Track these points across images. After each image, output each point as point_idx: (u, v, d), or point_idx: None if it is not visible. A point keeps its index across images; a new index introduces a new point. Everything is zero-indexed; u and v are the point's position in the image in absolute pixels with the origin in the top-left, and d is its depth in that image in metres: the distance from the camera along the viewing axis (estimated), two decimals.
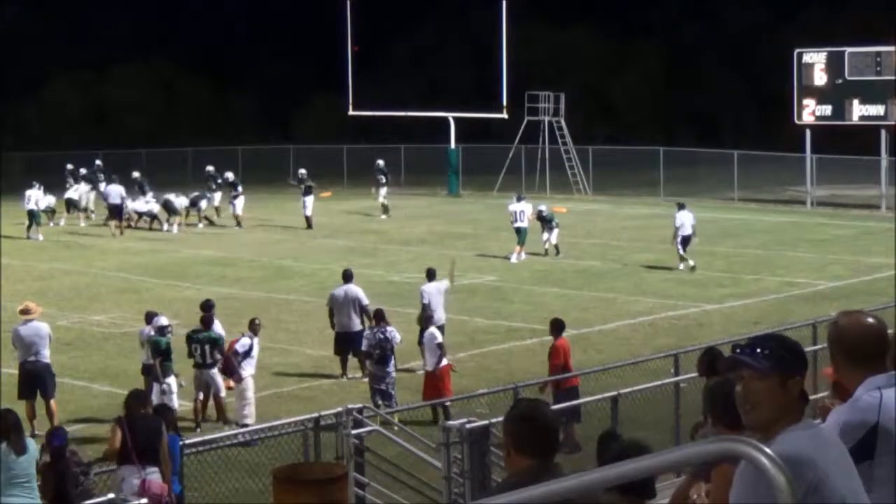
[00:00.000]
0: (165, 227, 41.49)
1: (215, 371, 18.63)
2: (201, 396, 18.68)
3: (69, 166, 46.93)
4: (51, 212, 42.84)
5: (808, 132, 46.52)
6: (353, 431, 13.56)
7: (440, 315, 21.83)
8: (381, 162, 46.00)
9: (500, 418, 12.70)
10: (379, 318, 19.65)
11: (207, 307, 19.76)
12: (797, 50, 46.26)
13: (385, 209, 44.60)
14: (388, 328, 19.24)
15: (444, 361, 19.15)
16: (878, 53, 44.61)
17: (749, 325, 24.18)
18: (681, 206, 32.87)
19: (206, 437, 14.87)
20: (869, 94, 44.46)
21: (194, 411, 18.69)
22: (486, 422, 12.80)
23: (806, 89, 45.87)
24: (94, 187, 44.97)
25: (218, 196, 44.10)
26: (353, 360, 21.28)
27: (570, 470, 4.42)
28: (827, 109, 45.51)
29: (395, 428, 15.43)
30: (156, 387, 17.80)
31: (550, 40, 72.34)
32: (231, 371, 18.34)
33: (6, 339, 20.17)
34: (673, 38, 74.35)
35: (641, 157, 53.23)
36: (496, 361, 22.39)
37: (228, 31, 78.45)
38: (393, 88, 65.36)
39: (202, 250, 37.05)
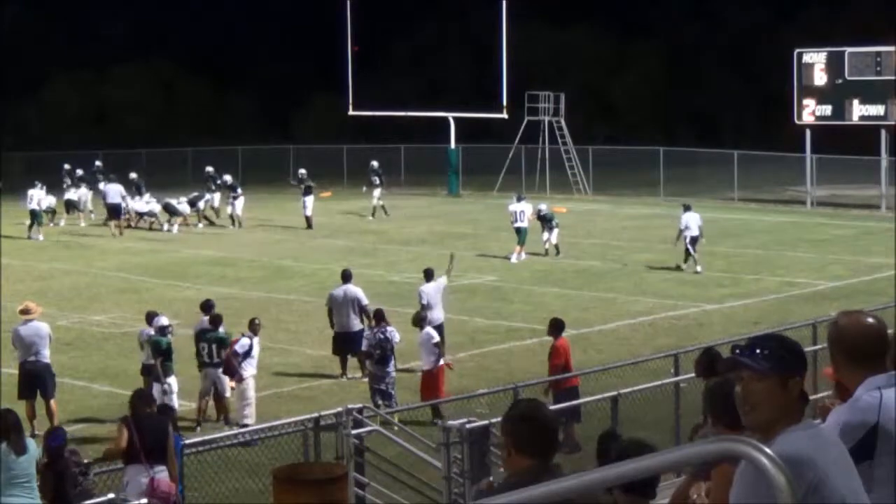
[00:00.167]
0: (166, 226, 41.49)
1: (222, 371, 18.67)
2: (209, 394, 18.70)
3: (66, 166, 46.88)
4: (51, 212, 42.83)
5: (808, 132, 46.52)
6: (353, 431, 13.56)
7: (438, 314, 21.83)
8: (375, 163, 45.94)
9: (500, 418, 12.73)
10: (379, 318, 19.65)
11: (208, 307, 19.77)
12: (797, 50, 46.26)
13: (377, 210, 44.34)
14: (388, 328, 19.25)
15: (441, 361, 19.17)
16: (878, 53, 44.61)
17: (749, 325, 24.18)
18: (686, 208, 32.76)
19: (206, 437, 14.87)
20: (869, 94, 44.46)
21: (199, 410, 18.71)
22: (486, 422, 12.79)
23: (806, 89, 45.87)
24: (93, 187, 44.88)
25: (217, 196, 44.10)
26: (353, 360, 21.28)
27: (570, 470, 4.42)
28: (827, 109, 45.51)
29: (395, 428, 15.43)
30: (157, 387, 17.78)
31: (550, 40, 72.34)
32: (231, 371, 18.34)
33: (6, 339, 20.17)
34: (673, 38, 74.35)
35: (641, 157, 53.24)
36: (496, 361, 22.39)
37: (228, 31, 78.46)
38: (393, 88, 65.38)
39: (202, 250, 37.05)
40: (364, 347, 19.76)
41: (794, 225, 42.29)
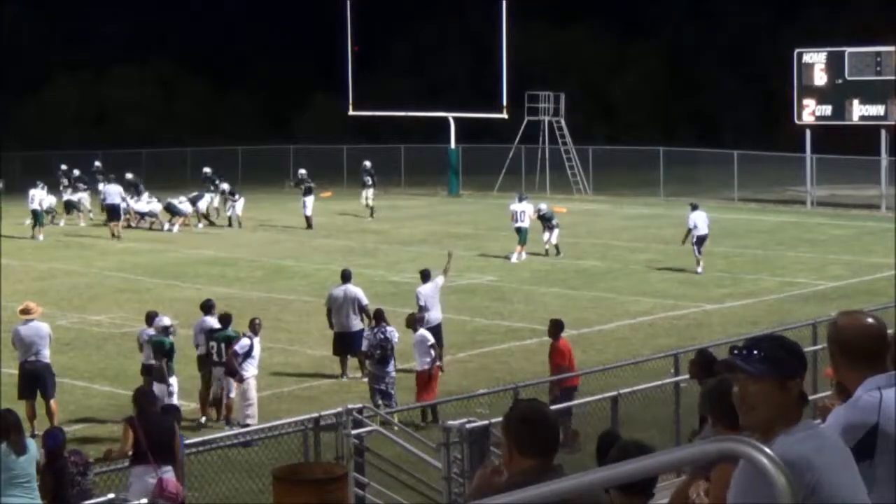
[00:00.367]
0: (166, 226, 41.48)
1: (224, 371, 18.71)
2: (221, 393, 18.73)
3: (63, 167, 46.80)
4: (52, 212, 42.78)
5: (808, 132, 46.52)
6: (353, 431, 13.56)
7: (436, 315, 21.81)
8: (367, 163, 45.92)
9: (501, 418, 12.74)
10: (379, 318, 19.66)
11: (208, 307, 19.78)
12: (797, 50, 46.26)
13: (370, 210, 44.35)
14: (388, 328, 19.25)
15: (436, 362, 19.16)
16: (878, 53, 44.61)
17: (749, 325, 24.17)
18: (694, 207, 32.63)
19: (206, 437, 14.87)
20: (869, 94, 44.46)
21: (207, 407, 18.74)
22: (486, 422, 12.79)
23: (806, 89, 45.87)
24: (91, 188, 44.81)
25: (217, 197, 44.05)
26: (353, 360, 21.29)
27: (571, 470, 4.42)
28: (827, 109, 45.51)
29: (395, 428, 15.43)
30: (162, 387, 17.79)
31: (550, 40, 72.36)
32: (232, 372, 18.35)
33: (6, 339, 20.16)
34: (673, 38, 74.37)
35: (641, 157, 53.24)
36: (496, 361, 22.39)
37: (228, 31, 78.44)
38: (393, 88, 65.37)
39: (202, 250, 37.05)
40: (364, 347, 19.76)
41: (794, 225, 42.29)
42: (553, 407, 13.92)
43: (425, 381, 19.02)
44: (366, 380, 19.93)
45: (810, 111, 45.92)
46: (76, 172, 46.14)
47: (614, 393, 15.28)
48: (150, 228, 42.02)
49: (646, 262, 33.67)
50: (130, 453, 12.70)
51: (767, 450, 3.16)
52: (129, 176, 44.58)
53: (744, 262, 32.97)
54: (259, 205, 46.50)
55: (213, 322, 19.38)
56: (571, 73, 68.83)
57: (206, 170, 45.37)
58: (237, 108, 77.09)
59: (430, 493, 13.46)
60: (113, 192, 41.29)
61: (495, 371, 21.41)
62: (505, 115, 52.62)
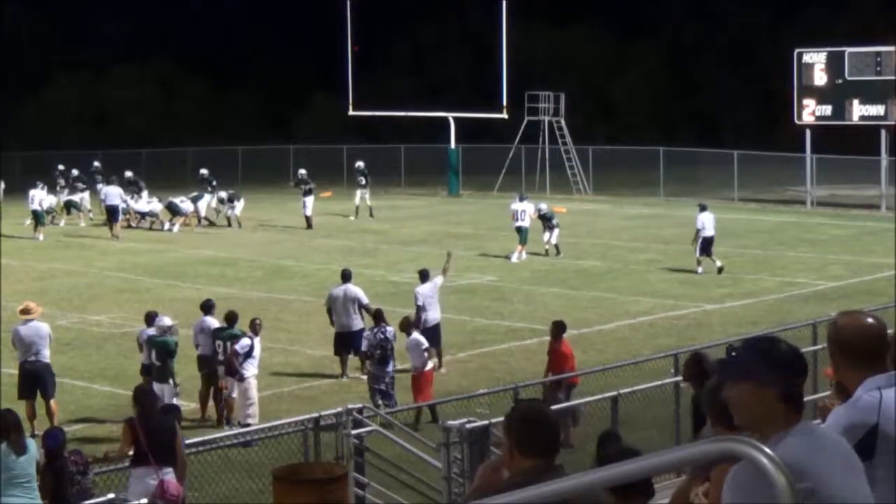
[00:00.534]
0: (167, 225, 41.47)
1: (224, 371, 18.72)
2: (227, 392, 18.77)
3: (60, 167, 46.68)
4: (52, 212, 42.76)
5: (808, 132, 46.53)
6: (353, 431, 13.56)
7: (435, 315, 21.84)
8: (360, 163, 45.88)
9: (501, 418, 12.72)
10: (378, 318, 19.67)
11: (208, 307, 19.78)
12: (797, 50, 46.27)
13: (367, 210, 44.19)
14: (388, 328, 19.25)
15: (430, 365, 19.13)
16: (878, 53, 44.62)
17: (749, 325, 24.18)
18: (702, 208, 32.55)
19: (206, 437, 14.86)
20: (869, 94, 44.47)
21: (217, 407, 18.77)
22: (486, 422, 12.79)
23: (806, 89, 45.88)
24: (89, 188, 44.75)
25: (214, 199, 43.94)
26: (353, 360, 21.29)
27: (571, 470, 4.42)
28: (827, 109, 45.52)
29: (396, 428, 15.43)
30: (162, 387, 17.79)
31: (550, 40, 72.37)
32: (232, 371, 18.36)
33: (6, 339, 20.16)
34: (673, 38, 74.38)
35: (641, 157, 53.25)
36: (496, 361, 22.39)
37: (228, 31, 78.43)
38: (393, 88, 65.37)
39: (202, 250, 37.05)
40: (364, 348, 19.77)
41: (794, 225, 42.30)
42: (554, 407, 13.93)
43: (421, 384, 18.98)
44: (365, 379, 19.94)
45: (810, 111, 45.93)
46: (75, 172, 46.07)
47: (614, 393, 15.28)
48: (151, 228, 42.01)
49: (646, 262, 33.67)
50: (131, 453, 12.69)
51: (767, 450, 3.16)
52: (128, 174, 44.47)
53: (744, 262, 32.96)
54: (259, 205, 46.50)
55: (212, 322, 19.39)
56: (571, 73, 68.84)
57: (203, 171, 45.31)
58: (237, 108, 77.09)
59: (430, 493, 13.46)
60: (112, 192, 41.05)
61: (495, 371, 21.41)
62: (505, 115, 52.63)
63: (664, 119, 70.41)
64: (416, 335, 19.27)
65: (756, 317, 25.62)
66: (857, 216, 44.39)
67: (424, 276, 22.51)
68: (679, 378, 15.90)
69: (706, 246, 31.51)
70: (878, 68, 44.36)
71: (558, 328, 18.28)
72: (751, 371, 4.07)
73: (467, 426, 12.58)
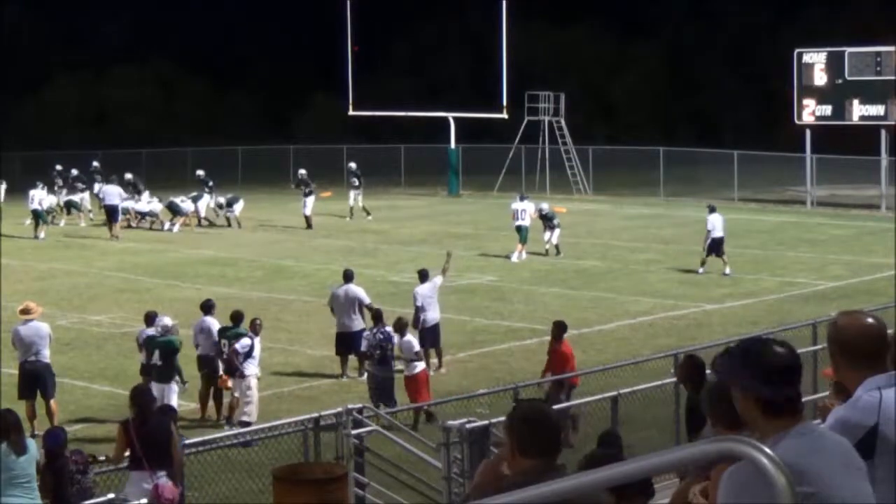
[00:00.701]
0: (167, 225, 41.46)
1: (224, 370, 18.72)
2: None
3: (58, 167, 46.60)
4: (52, 212, 42.71)
5: (808, 132, 46.53)
6: (353, 431, 13.56)
7: (434, 315, 21.85)
8: (353, 164, 45.90)
9: (501, 418, 12.72)
10: (378, 318, 19.66)
11: (208, 307, 19.78)
12: (797, 50, 46.28)
13: (354, 212, 44.04)
14: (388, 328, 19.24)
15: (419, 368, 19.04)
16: (878, 53, 44.63)
17: (749, 325, 24.18)
18: (711, 209, 32.47)
19: (206, 437, 14.86)
20: (869, 94, 44.48)
21: (230, 409, 18.80)
22: (486, 422, 12.80)
23: (806, 89, 45.89)
24: (89, 188, 44.70)
25: (212, 200, 43.87)
26: (352, 360, 21.29)
27: (571, 470, 4.41)
28: (827, 109, 45.53)
29: (395, 428, 15.42)
30: (162, 387, 17.80)
31: (550, 40, 72.35)
32: (233, 370, 18.36)
33: (6, 339, 20.16)
34: (673, 38, 74.36)
35: (641, 157, 53.24)
36: (496, 361, 22.39)
37: (228, 31, 78.43)
38: (393, 88, 65.37)
39: (202, 250, 37.05)
40: (363, 348, 19.77)
41: (794, 225, 42.30)
42: (555, 407, 13.94)
43: (417, 387, 18.90)
44: (362, 379, 19.95)
45: (810, 111, 45.94)
46: (74, 172, 46.04)
47: (614, 393, 15.28)
48: (151, 228, 42.00)
49: (646, 262, 33.67)
50: (127, 454, 12.68)
51: (767, 450, 3.16)
52: (128, 176, 44.25)
53: (744, 262, 32.94)
54: (259, 205, 46.49)
55: (212, 322, 19.39)
56: (571, 73, 68.83)
57: (200, 172, 45.28)
58: (237, 108, 77.09)
59: (430, 493, 13.46)
60: (111, 192, 40.95)
61: (495, 371, 21.41)
62: (505, 115, 52.63)
63: (664, 119, 70.41)
64: (408, 336, 19.21)
65: (756, 317, 25.62)
66: (857, 216, 44.39)
67: (424, 276, 22.52)
68: None
69: (715, 247, 31.44)
70: (878, 68, 44.37)
71: (559, 328, 18.28)
72: (735, 375, 4.09)
73: (467, 426, 12.58)
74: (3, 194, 43.62)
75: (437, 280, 22.56)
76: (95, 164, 49.00)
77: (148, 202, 42.58)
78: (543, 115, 54.78)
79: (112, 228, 39.91)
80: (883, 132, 45.11)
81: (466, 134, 55.02)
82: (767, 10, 71.39)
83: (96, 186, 44.10)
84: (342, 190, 49.86)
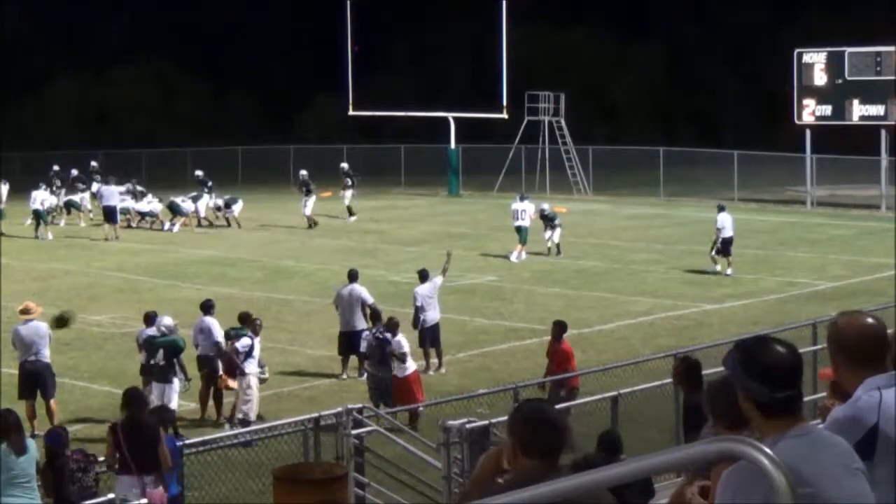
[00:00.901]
0: (167, 225, 41.44)
1: (223, 370, 18.74)
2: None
3: (55, 167, 46.49)
4: (52, 212, 42.65)
5: (808, 132, 46.53)
6: (353, 431, 13.56)
7: (434, 315, 21.84)
8: (345, 165, 45.92)
9: (501, 418, 12.73)
10: (376, 318, 19.66)
11: (208, 307, 19.78)
12: (797, 50, 46.28)
13: (349, 211, 44.17)
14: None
15: (412, 368, 18.99)
16: (878, 53, 44.62)
17: (749, 325, 24.18)
18: (721, 209, 32.46)
19: (206, 438, 14.87)
20: (869, 94, 44.48)
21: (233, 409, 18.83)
22: (486, 422, 12.80)
23: (806, 89, 45.89)
24: (88, 188, 44.63)
25: (211, 200, 43.82)
26: (353, 360, 21.29)
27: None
28: (827, 109, 45.53)
29: (396, 428, 15.42)
30: (170, 387, 17.81)
31: (550, 40, 72.34)
32: (233, 368, 18.36)
33: (6, 339, 20.17)
34: (673, 38, 74.35)
35: (641, 157, 53.23)
36: (496, 361, 22.39)
37: (228, 31, 78.41)
38: (393, 88, 65.36)
39: (202, 250, 37.04)
40: (363, 348, 19.77)
41: (794, 225, 42.30)
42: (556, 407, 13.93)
43: (404, 386, 18.75)
44: (364, 379, 19.95)
45: (810, 111, 45.94)
46: (74, 172, 45.99)
47: (614, 393, 15.28)
48: (151, 228, 41.99)
49: (646, 262, 33.67)
50: (118, 456, 12.70)
51: (767, 450, 3.16)
52: (129, 185, 43.84)
53: (744, 262, 32.92)
54: (259, 205, 46.49)
55: (212, 322, 19.40)
56: (571, 73, 68.81)
57: (199, 172, 45.25)
58: (237, 108, 77.05)
59: (430, 493, 13.46)
60: (110, 192, 40.71)
61: (495, 371, 21.41)
62: (505, 115, 52.63)
63: (664, 119, 70.41)
64: (399, 337, 19.11)
65: (756, 317, 25.62)
66: (857, 216, 44.39)
67: (424, 276, 22.52)
68: None
69: (725, 247, 31.39)
70: (878, 68, 44.37)
71: (560, 328, 18.27)
72: (736, 374, 4.09)
73: (467, 426, 12.59)
74: (6, 194, 43.55)
75: (438, 280, 22.56)
76: (94, 164, 48.96)
77: (148, 202, 42.56)
78: (543, 115, 54.78)
79: (109, 230, 39.48)
80: (883, 132, 45.11)
81: (466, 134, 55.02)
82: (767, 11, 71.39)
83: (94, 186, 44.01)
84: (342, 190, 49.89)
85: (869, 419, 4.39)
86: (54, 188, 44.80)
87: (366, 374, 19.80)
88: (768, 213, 46.12)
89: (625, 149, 54.82)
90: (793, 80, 46.16)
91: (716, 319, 25.78)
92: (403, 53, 76.45)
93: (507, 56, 52.15)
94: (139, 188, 43.72)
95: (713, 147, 54.24)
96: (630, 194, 51.38)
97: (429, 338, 21.75)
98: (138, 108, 74.82)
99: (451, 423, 12.88)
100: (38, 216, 40.05)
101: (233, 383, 18.57)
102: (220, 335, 19.21)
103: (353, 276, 22.24)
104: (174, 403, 17.68)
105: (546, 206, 36.06)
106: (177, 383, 18.17)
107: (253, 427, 16.47)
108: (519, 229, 34.46)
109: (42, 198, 40.45)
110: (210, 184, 44.23)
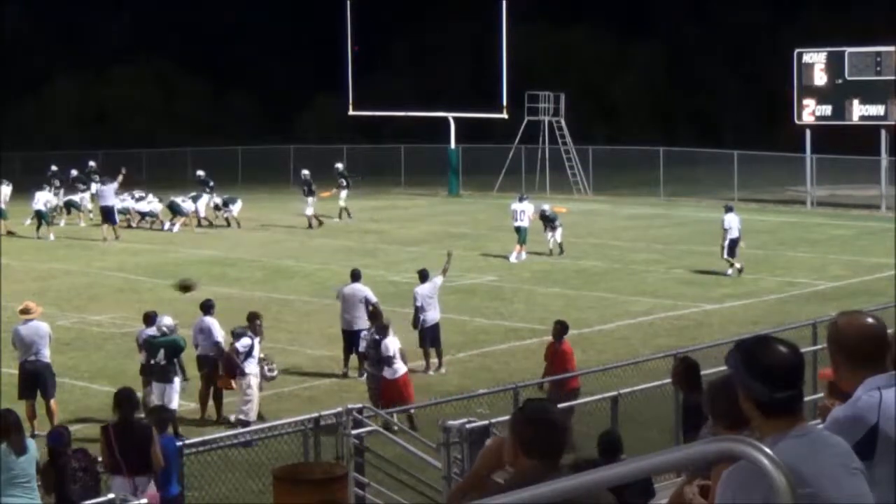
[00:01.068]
0: (167, 225, 41.43)
1: (223, 369, 18.75)
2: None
3: (53, 168, 46.41)
4: (53, 212, 42.60)
5: (808, 132, 46.53)
6: (353, 431, 13.56)
7: (434, 315, 21.84)
8: (339, 165, 45.91)
9: (501, 418, 12.73)
10: (375, 318, 19.66)
11: (208, 307, 19.78)
12: (797, 50, 46.28)
13: (344, 212, 44.10)
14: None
15: (402, 371, 18.92)
16: (878, 53, 44.62)
17: (749, 325, 24.18)
18: (728, 209, 32.39)
19: (206, 438, 14.86)
20: (869, 94, 44.47)
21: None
22: (486, 422, 12.80)
23: (806, 89, 45.89)
24: (87, 188, 44.57)
25: (211, 200, 43.79)
26: (353, 360, 21.30)
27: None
28: (827, 109, 45.53)
29: (395, 428, 15.43)
30: (170, 387, 17.80)
31: (550, 40, 72.36)
32: (233, 368, 18.36)
33: (6, 339, 20.16)
34: (673, 38, 74.36)
35: (641, 157, 53.24)
36: (496, 361, 22.39)
37: (228, 31, 78.42)
38: (393, 88, 65.37)
39: (202, 250, 37.04)
40: (362, 348, 19.76)
41: (794, 225, 42.30)
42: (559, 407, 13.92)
43: (393, 388, 18.56)
44: (363, 379, 19.95)
45: (810, 111, 45.94)
46: (74, 172, 45.95)
47: (614, 393, 15.28)
48: (151, 228, 41.99)
49: (646, 262, 33.66)
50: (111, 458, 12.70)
51: (767, 449, 3.16)
52: (136, 194, 43.67)
53: (744, 263, 32.93)
54: (259, 205, 46.49)
55: (212, 322, 19.40)
56: (571, 73, 68.82)
57: (200, 172, 45.24)
58: (237, 108, 77.07)
59: (430, 493, 13.46)
60: (107, 192, 40.44)
61: (495, 371, 21.41)
62: (505, 115, 52.64)
63: (664, 119, 70.41)
64: (388, 340, 18.82)
65: (756, 317, 25.62)
66: (857, 216, 44.39)
67: (424, 276, 22.52)
68: None
69: (732, 247, 31.36)
70: (878, 68, 44.37)
71: (561, 328, 18.26)
72: (736, 372, 4.10)
73: (467, 426, 12.59)
74: (8, 195, 43.46)
75: (438, 280, 22.56)
76: (92, 164, 48.91)
77: (148, 202, 42.55)
78: (543, 115, 54.78)
79: (108, 230, 39.24)
80: (883, 132, 45.11)
81: (466, 134, 55.03)
82: (767, 11, 71.40)
83: (93, 186, 43.95)
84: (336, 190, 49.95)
85: (869, 419, 4.39)
86: (52, 188, 44.74)
87: (365, 374, 19.80)
88: (768, 213, 46.11)
89: (625, 149, 54.83)
90: (793, 80, 46.17)
91: (716, 319, 25.78)
92: (403, 53, 76.45)
93: (507, 56, 52.16)
94: (139, 193, 43.55)
95: (713, 147, 54.25)
96: (630, 194, 51.38)
97: (429, 338, 21.75)
98: (138, 108, 74.83)
99: (451, 423, 12.87)
100: (40, 217, 40.02)
101: (232, 384, 18.57)
102: (220, 335, 19.22)
103: (355, 276, 22.25)
104: (175, 403, 17.69)
105: (546, 206, 36.07)
106: (177, 383, 18.17)
107: (253, 427, 16.46)
108: (518, 230, 34.47)
109: (45, 198, 40.44)
110: (212, 184, 44.22)
